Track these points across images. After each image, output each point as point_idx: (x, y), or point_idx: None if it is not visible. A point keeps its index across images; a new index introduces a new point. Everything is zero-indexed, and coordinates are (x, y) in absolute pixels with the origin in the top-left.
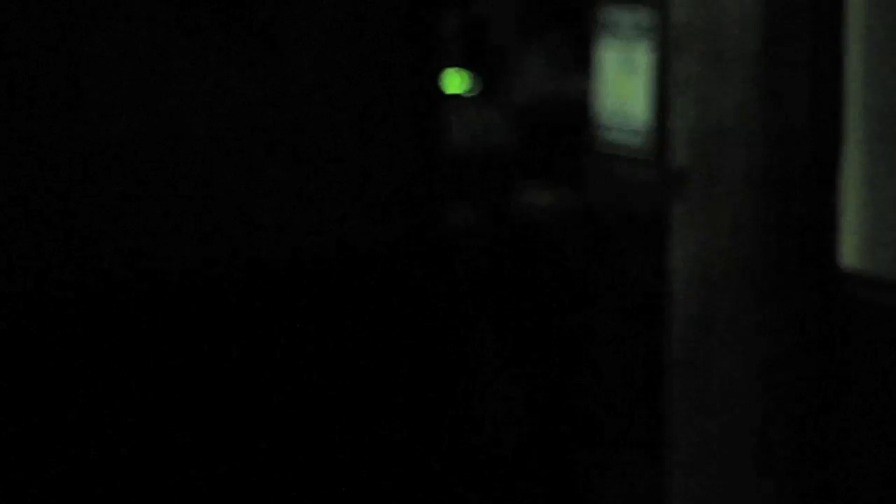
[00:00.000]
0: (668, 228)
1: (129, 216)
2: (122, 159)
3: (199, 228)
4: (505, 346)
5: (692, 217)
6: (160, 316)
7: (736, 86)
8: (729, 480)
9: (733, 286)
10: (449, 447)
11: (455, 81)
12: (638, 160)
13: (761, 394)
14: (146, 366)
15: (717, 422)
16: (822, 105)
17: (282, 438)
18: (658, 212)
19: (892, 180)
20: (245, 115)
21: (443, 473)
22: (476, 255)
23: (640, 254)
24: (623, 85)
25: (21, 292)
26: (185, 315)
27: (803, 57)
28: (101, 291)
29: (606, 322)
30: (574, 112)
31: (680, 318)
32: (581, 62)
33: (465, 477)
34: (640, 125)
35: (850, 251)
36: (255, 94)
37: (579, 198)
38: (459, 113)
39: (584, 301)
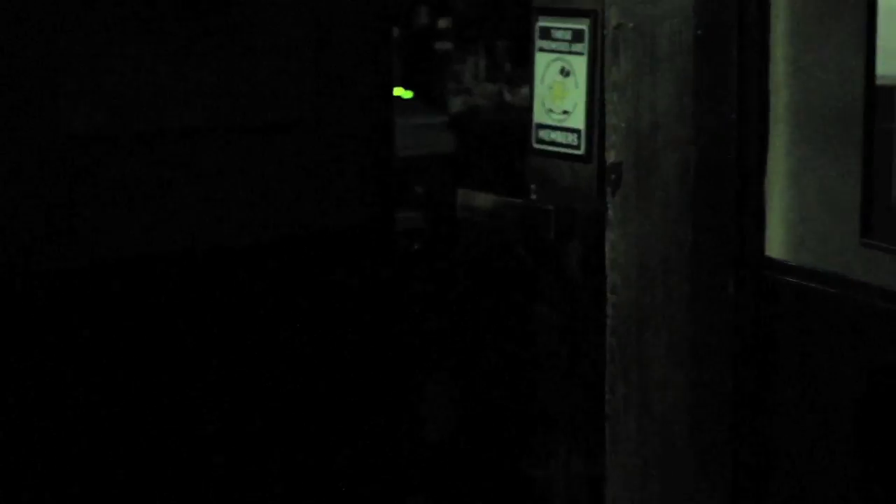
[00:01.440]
0: (606, 222)
1: (91, 202)
2: (90, 148)
3: (161, 214)
4: (450, 337)
5: (628, 211)
6: (120, 300)
7: (668, 84)
8: (666, 473)
9: (667, 276)
10: (391, 433)
11: (397, 89)
12: (576, 160)
13: (694, 381)
14: (103, 347)
15: (652, 415)
16: (750, 102)
17: (227, 417)
18: (596, 209)
19: (813, 174)
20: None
21: (385, 456)
22: (421, 254)
23: (579, 250)
24: (560, 88)
25: None
26: (140, 297)
27: (731, 56)
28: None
29: (548, 316)
30: (513, 116)
31: (617, 310)
32: (519, 69)
33: (408, 460)
34: (578, 126)
35: (776, 242)
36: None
37: (520, 198)
38: (401, 118)
39: (525, 295)
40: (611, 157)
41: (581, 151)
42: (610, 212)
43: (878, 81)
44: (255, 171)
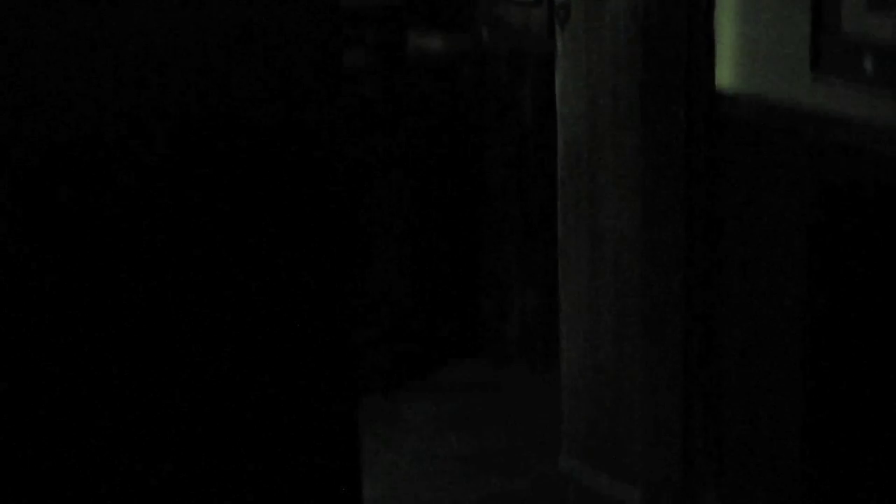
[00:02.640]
0: (556, 58)
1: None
2: None
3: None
4: (396, 189)
5: (576, 44)
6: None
7: None
8: (620, 303)
9: (617, 107)
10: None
11: None
12: (527, 5)
13: (642, 224)
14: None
15: (603, 245)
16: None
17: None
18: (548, 51)
19: (762, 3)
20: None
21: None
22: (371, 97)
23: (531, 93)
24: None
25: None
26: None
27: None
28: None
29: (496, 164)
30: None
31: (566, 140)
32: None
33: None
34: None
35: (725, 74)
36: None
37: (471, 40)
38: None
39: (477, 144)
40: None
41: None
42: (559, 46)
43: None
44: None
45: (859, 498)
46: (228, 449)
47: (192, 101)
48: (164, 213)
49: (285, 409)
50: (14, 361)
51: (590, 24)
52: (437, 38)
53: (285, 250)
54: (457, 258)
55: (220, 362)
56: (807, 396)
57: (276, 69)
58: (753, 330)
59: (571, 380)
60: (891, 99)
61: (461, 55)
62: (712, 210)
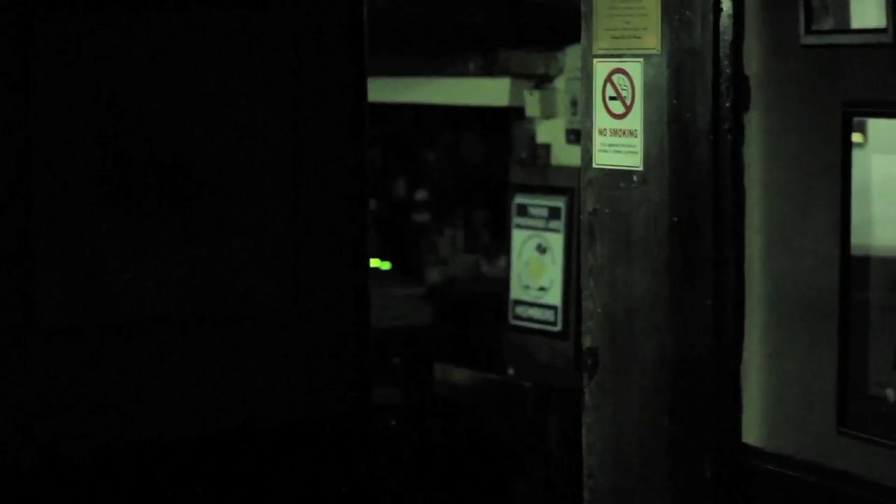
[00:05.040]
0: (583, 407)
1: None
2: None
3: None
4: None
5: (604, 396)
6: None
7: (644, 272)
8: None
9: (644, 462)
10: None
11: (374, 260)
12: (553, 336)
13: None
14: None
15: None
16: (726, 290)
17: None
18: (574, 385)
19: (790, 361)
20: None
21: None
22: (402, 433)
23: (557, 425)
24: (537, 265)
25: None
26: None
27: (707, 246)
28: None
29: (527, 495)
30: (490, 288)
31: (593, 491)
32: (497, 239)
33: None
34: (555, 303)
35: (753, 430)
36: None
37: (497, 373)
38: (379, 289)
39: (508, 471)
40: (587, 342)
41: (558, 328)
42: (586, 396)
43: (853, 252)
44: (231, 360)
45: None
46: None
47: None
48: None
49: None
50: None
51: (617, 374)
52: (463, 370)
53: None
54: None
55: None
56: None
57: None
58: None
59: None
60: None
61: (487, 386)
62: None
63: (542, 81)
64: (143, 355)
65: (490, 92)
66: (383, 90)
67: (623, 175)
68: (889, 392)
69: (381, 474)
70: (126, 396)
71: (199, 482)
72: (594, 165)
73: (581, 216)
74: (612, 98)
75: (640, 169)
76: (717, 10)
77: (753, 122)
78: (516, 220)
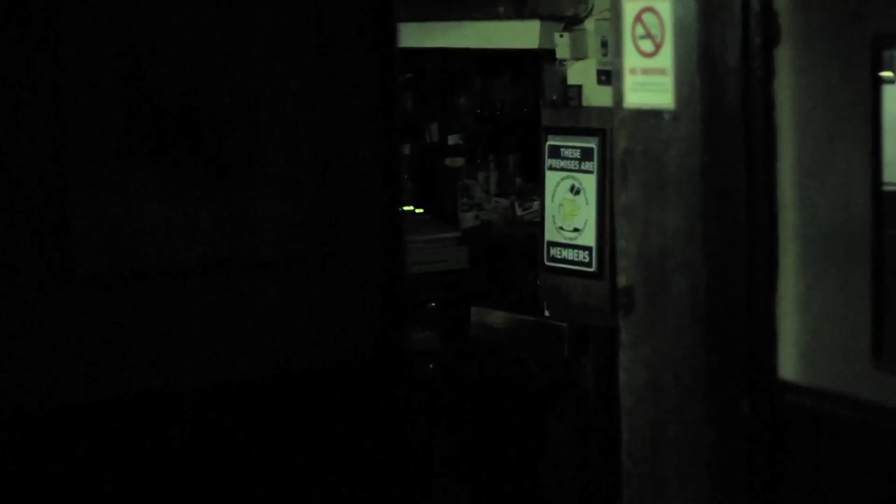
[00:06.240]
0: (619, 345)
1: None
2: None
3: (165, 352)
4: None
5: (640, 334)
6: (124, 438)
7: (677, 210)
8: None
9: (681, 398)
10: None
11: (408, 206)
12: (588, 276)
13: (709, 496)
14: None
15: None
16: (759, 226)
17: None
18: (609, 325)
19: (823, 295)
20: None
21: None
22: (440, 376)
23: (593, 366)
24: (571, 206)
25: None
26: (144, 435)
27: (739, 183)
28: None
29: (562, 434)
30: (525, 231)
31: (631, 429)
32: (530, 182)
33: None
34: (589, 244)
35: (788, 364)
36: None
37: (533, 315)
38: (413, 234)
39: (542, 413)
40: (621, 281)
41: (593, 269)
42: (622, 334)
43: (885, 188)
44: (264, 306)
45: None
46: None
47: None
48: None
49: None
50: None
51: (652, 312)
52: (498, 312)
53: None
54: None
55: None
56: None
57: None
58: None
59: None
60: None
61: (523, 327)
62: (775, 491)
63: (571, 23)
64: (178, 302)
65: (520, 34)
66: (413, 35)
67: (654, 114)
68: None
69: (418, 416)
70: (161, 343)
71: (234, 428)
72: (625, 105)
73: (613, 156)
74: (641, 37)
75: (672, 107)
76: None
77: (783, 58)
78: (549, 161)
